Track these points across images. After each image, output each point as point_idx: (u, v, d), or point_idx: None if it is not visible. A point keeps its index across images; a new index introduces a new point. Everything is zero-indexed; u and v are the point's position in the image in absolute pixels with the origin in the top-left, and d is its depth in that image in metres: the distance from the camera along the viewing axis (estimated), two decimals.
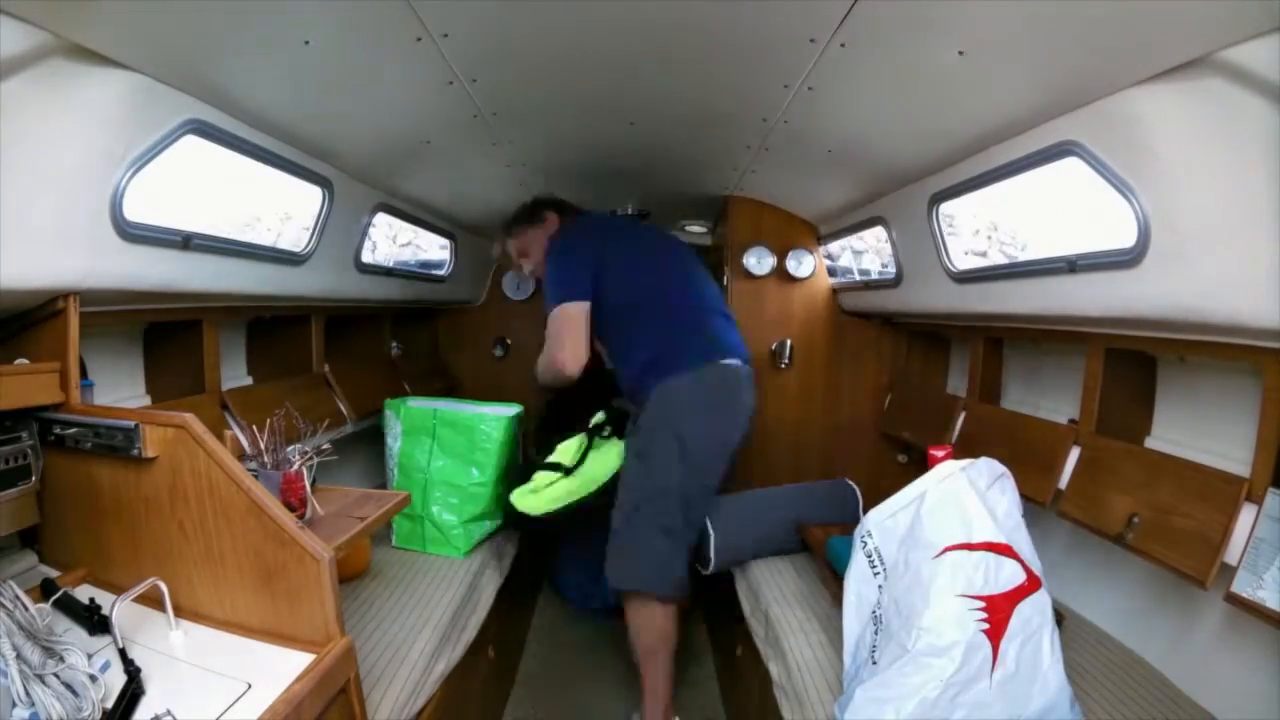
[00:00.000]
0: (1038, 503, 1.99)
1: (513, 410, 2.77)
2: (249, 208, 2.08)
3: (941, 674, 1.41)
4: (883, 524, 1.68)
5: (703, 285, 2.55)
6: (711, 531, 2.45)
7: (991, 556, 1.49)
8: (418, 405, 2.66)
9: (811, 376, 3.37)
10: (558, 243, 2.58)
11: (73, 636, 1.23)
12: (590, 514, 2.55)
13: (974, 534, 1.51)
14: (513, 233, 2.82)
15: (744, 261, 3.27)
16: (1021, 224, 2.00)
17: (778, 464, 3.27)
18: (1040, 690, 1.41)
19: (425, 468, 2.58)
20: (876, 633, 1.58)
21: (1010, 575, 1.48)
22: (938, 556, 1.49)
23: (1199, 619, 1.69)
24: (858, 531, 1.75)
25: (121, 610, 1.21)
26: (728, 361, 2.35)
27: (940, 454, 1.73)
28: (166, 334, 2.04)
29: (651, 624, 2.34)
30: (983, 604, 1.44)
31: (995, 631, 1.42)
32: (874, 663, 1.54)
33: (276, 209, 2.20)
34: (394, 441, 2.65)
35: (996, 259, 2.13)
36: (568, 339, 2.35)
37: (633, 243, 2.61)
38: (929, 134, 1.91)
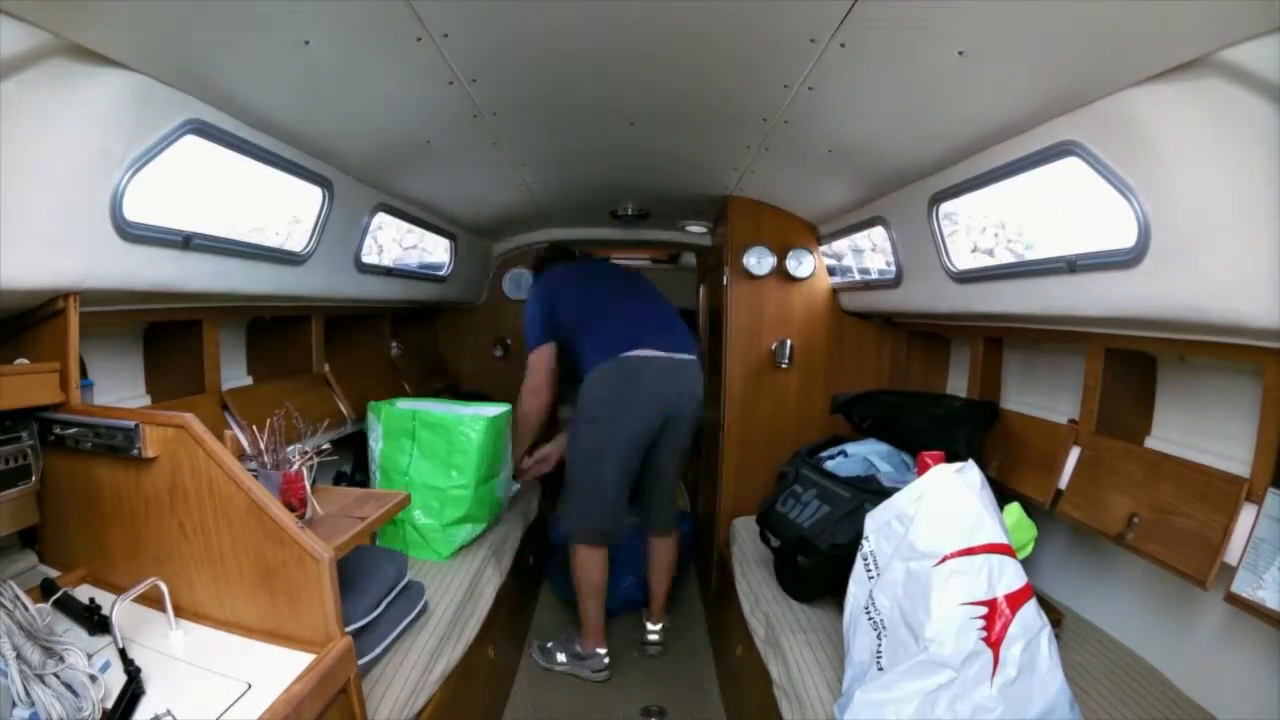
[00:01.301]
0: (1038, 503, 1.98)
1: (498, 410, 2.74)
2: (257, 211, 2.07)
3: (942, 680, 1.41)
4: (879, 528, 1.68)
5: (637, 302, 3.19)
6: None
7: (995, 558, 1.49)
8: (400, 406, 2.63)
9: (812, 376, 3.36)
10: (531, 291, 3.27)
11: (73, 636, 1.23)
12: None
13: (976, 537, 1.51)
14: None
15: (744, 261, 3.27)
16: (1028, 222, 1.99)
17: (779, 463, 3.27)
18: (1040, 693, 1.41)
19: (405, 470, 2.55)
20: (880, 638, 1.57)
21: (1013, 577, 1.48)
22: (939, 564, 1.49)
23: (1199, 619, 1.69)
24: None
25: (121, 610, 1.21)
26: (635, 353, 2.91)
27: (932, 460, 1.73)
28: (166, 334, 2.04)
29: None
30: (985, 609, 1.44)
31: (997, 637, 1.42)
32: (880, 669, 1.54)
33: (285, 212, 2.20)
34: (375, 444, 2.62)
35: (1004, 256, 2.12)
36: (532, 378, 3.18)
37: (582, 279, 3.28)
38: (929, 134, 1.91)
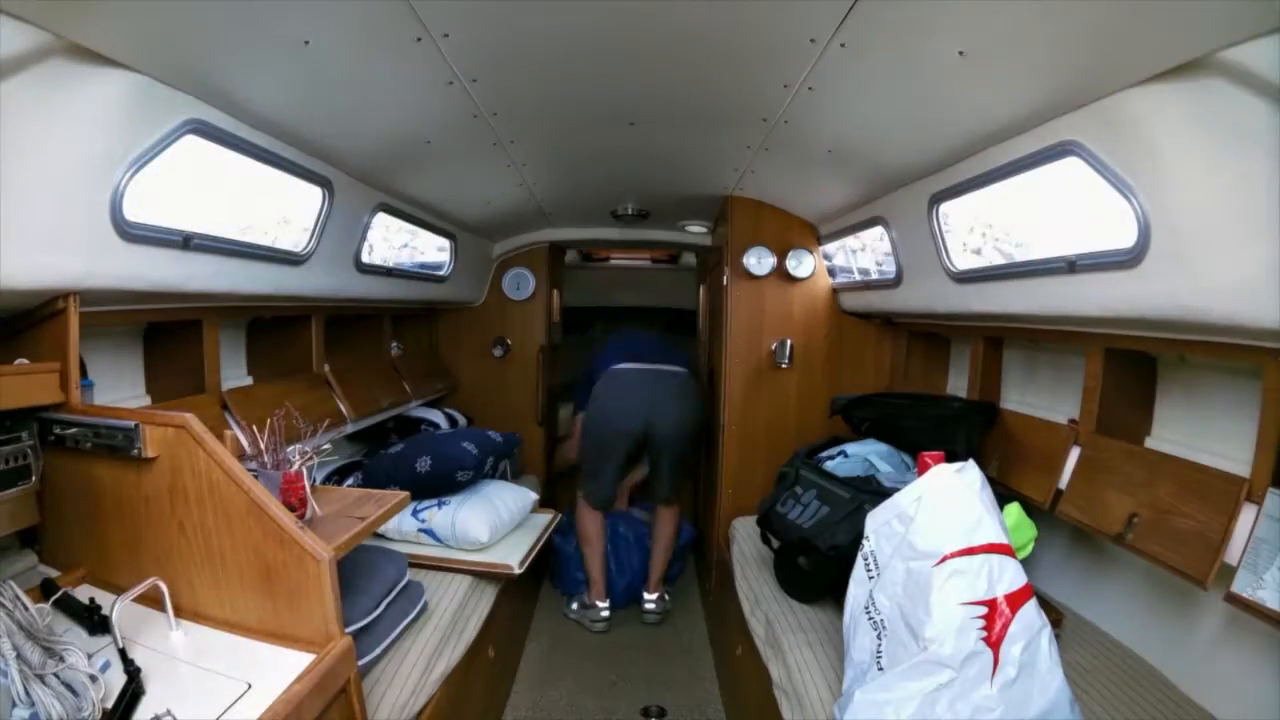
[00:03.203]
0: (1038, 503, 1.98)
1: None
2: (246, 210, 2.06)
3: (942, 679, 1.41)
4: (879, 529, 1.68)
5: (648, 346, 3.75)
6: None
7: (995, 558, 1.48)
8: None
9: (811, 376, 3.37)
10: None
11: (73, 636, 1.23)
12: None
13: (976, 536, 1.50)
14: None
15: (744, 261, 3.27)
16: (1017, 222, 1.99)
17: (779, 463, 3.28)
18: (1040, 692, 1.41)
19: None
20: (880, 637, 1.57)
21: (1013, 577, 1.48)
22: (939, 564, 1.49)
23: (1199, 619, 1.69)
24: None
25: (121, 610, 1.21)
26: (623, 365, 3.57)
27: (932, 459, 1.72)
28: (166, 334, 2.04)
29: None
30: (985, 609, 1.43)
31: (997, 637, 1.42)
32: (880, 669, 1.54)
33: (274, 213, 2.19)
34: None
35: (992, 256, 2.13)
36: None
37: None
38: (929, 134, 1.91)
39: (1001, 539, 1.52)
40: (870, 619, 1.61)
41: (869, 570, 1.67)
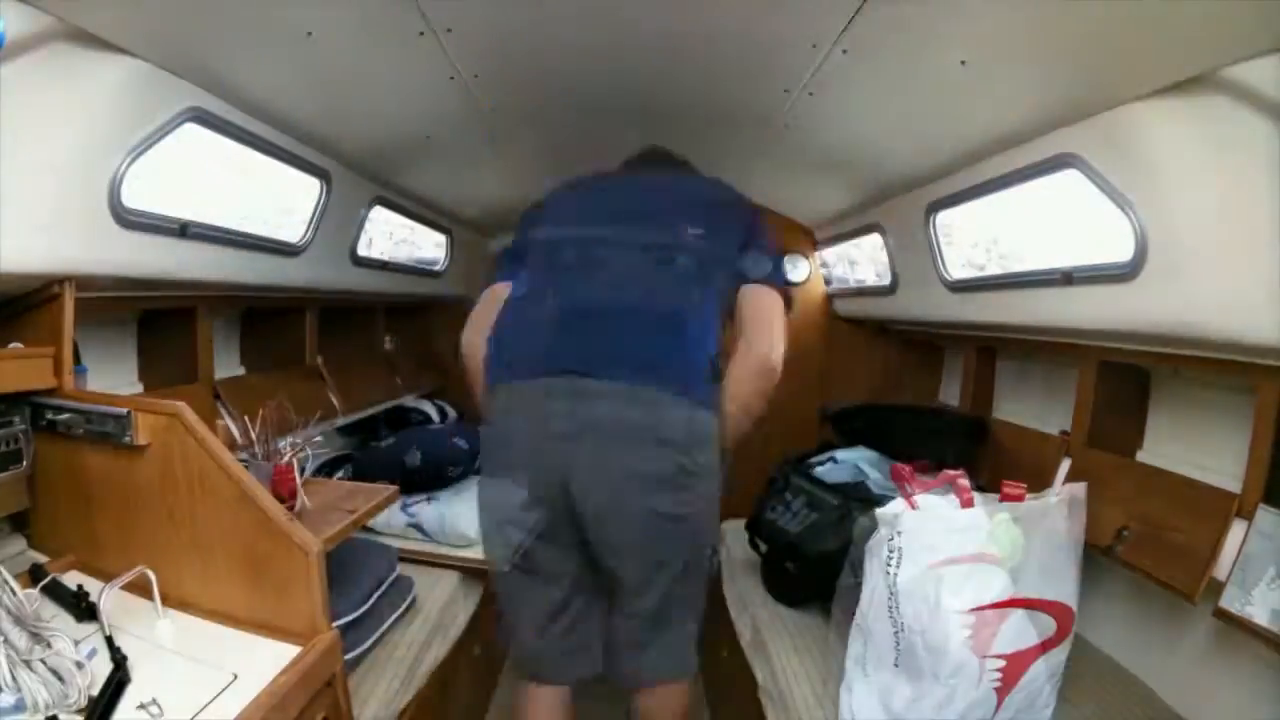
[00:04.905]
0: None
1: None
2: (251, 197, 2.07)
3: (929, 686, 1.42)
4: (869, 535, 1.68)
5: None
6: None
7: (982, 568, 1.48)
8: None
9: (803, 381, 3.36)
10: None
11: (60, 623, 1.22)
12: None
13: (964, 546, 1.50)
14: None
15: None
16: (1019, 235, 2.00)
17: (768, 468, 3.29)
18: (1027, 702, 1.42)
19: None
20: (867, 643, 1.57)
21: (1002, 586, 1.47)
22: (928, 571, 1.48)
23: (1187, 634, 1.69)
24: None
25: (109, 598, 1.21)
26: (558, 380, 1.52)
27: (909, 471, 1.70)
28: (161, 321, 2.04)
29: None
30: (973, 618, 1.43)
31: (985, 646, 1.42)
32: (866, 675, 1.55)
33: (279, 200, 2.19)
34: None
35: (994, 272, 2.14)
36: None
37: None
38: (928, 142, 1.91)
39: (990, 549, 1.52)
40: (858, 624, 1.61)
41: (859, 576, 1.67)
